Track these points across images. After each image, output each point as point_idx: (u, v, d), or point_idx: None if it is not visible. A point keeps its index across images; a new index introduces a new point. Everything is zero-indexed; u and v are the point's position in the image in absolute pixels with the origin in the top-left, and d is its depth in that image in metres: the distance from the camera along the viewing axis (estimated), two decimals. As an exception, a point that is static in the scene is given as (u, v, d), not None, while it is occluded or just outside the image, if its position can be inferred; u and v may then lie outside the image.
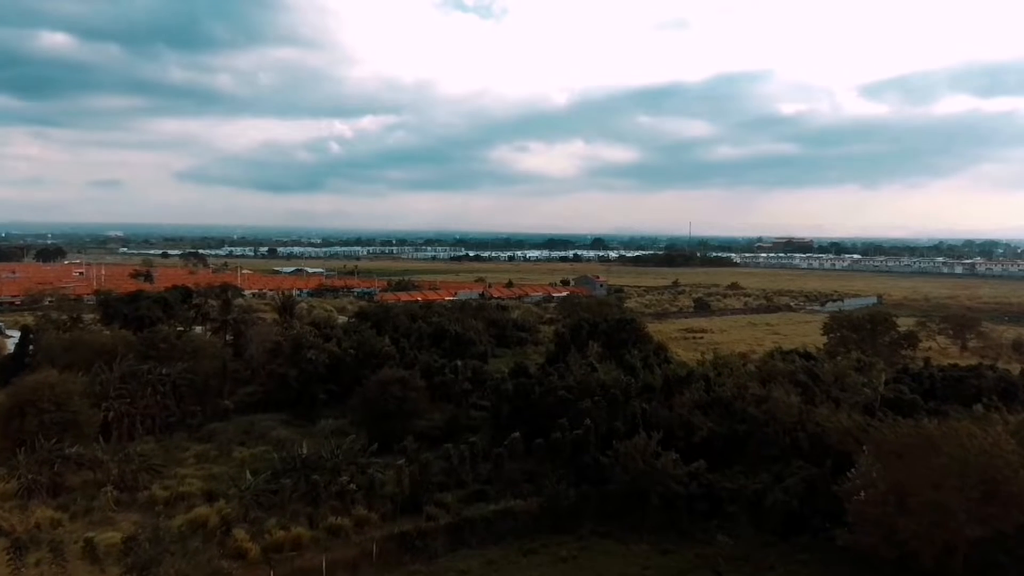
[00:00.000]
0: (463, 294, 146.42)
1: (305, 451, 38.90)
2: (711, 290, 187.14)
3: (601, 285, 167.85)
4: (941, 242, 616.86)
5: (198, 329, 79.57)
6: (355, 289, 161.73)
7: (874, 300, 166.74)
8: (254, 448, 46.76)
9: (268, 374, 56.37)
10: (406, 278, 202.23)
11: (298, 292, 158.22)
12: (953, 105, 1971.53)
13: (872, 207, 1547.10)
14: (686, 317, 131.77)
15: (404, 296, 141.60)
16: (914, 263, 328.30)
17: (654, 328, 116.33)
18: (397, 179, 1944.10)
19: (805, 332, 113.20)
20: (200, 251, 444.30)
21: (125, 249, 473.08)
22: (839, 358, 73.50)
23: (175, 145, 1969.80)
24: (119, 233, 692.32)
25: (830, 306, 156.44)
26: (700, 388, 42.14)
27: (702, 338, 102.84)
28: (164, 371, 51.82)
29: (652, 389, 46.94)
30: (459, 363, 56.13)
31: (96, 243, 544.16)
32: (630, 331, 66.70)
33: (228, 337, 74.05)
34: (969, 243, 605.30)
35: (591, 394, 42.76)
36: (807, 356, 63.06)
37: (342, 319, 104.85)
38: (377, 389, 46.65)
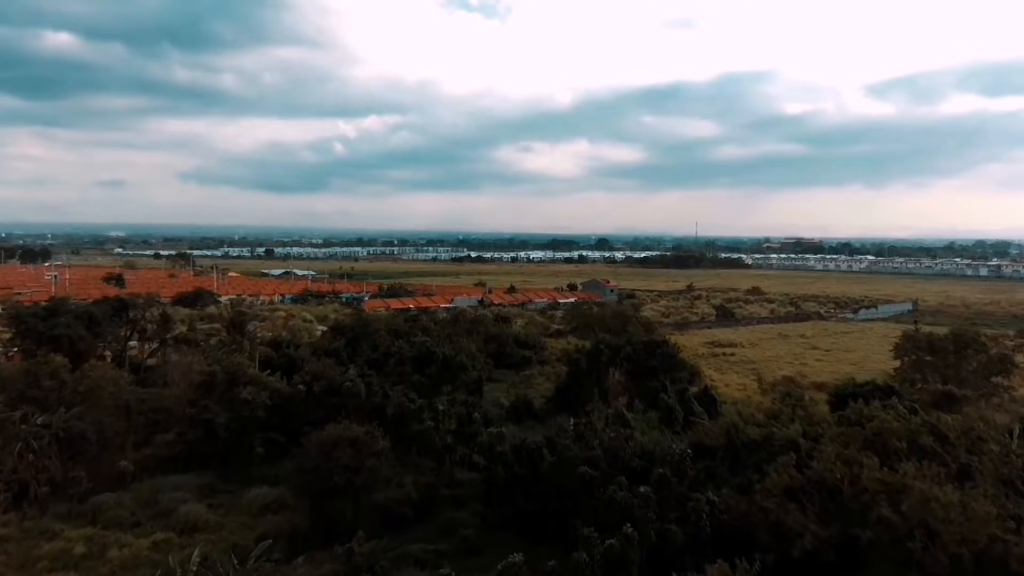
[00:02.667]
0: (460, 301, 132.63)
1: (194, 567, 25.28)
2: (729, 295, 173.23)
3: (612, 290, 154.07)
4: (952, 242, 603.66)
5: (133, 347, 66.28)
6: (342, 294, 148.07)
7: (909, 307, 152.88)
8: (149, 536, 33.13)
9: (189, 419, 42.69)
10: (400, 282, 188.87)
11: (279, 298, 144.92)
12: (960, 105, 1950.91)
13: (876, 207, 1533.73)
14: (709, 327, 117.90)
15: (395, 303, 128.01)
16: (935, 264, 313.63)
17: (673, 340, 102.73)
18: (400, 179, 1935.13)
19: (848, 345, 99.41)
20: (196, 252, 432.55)
21: (120, 250, 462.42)
22: (917, 385, 60.27)
23: (179, 145, 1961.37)
24: (121, 233, 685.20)
25: (863, 313, 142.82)
26: (790, 463, 28.28)
27: (733, 355, 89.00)
28: (41, 420, 38.17)
29: (709, 453, 33.24)
30: (441, 407, 42.33)
31: (94, 243, 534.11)
32: (662, 356, 52.93)
33: (174, 358, 60.75)
34: (981, 243, 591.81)
35: (627, 470, 29.07)
36: (891, 392, 49.37)
37: (322, 329, 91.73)
38: (319, 454, 32.96)
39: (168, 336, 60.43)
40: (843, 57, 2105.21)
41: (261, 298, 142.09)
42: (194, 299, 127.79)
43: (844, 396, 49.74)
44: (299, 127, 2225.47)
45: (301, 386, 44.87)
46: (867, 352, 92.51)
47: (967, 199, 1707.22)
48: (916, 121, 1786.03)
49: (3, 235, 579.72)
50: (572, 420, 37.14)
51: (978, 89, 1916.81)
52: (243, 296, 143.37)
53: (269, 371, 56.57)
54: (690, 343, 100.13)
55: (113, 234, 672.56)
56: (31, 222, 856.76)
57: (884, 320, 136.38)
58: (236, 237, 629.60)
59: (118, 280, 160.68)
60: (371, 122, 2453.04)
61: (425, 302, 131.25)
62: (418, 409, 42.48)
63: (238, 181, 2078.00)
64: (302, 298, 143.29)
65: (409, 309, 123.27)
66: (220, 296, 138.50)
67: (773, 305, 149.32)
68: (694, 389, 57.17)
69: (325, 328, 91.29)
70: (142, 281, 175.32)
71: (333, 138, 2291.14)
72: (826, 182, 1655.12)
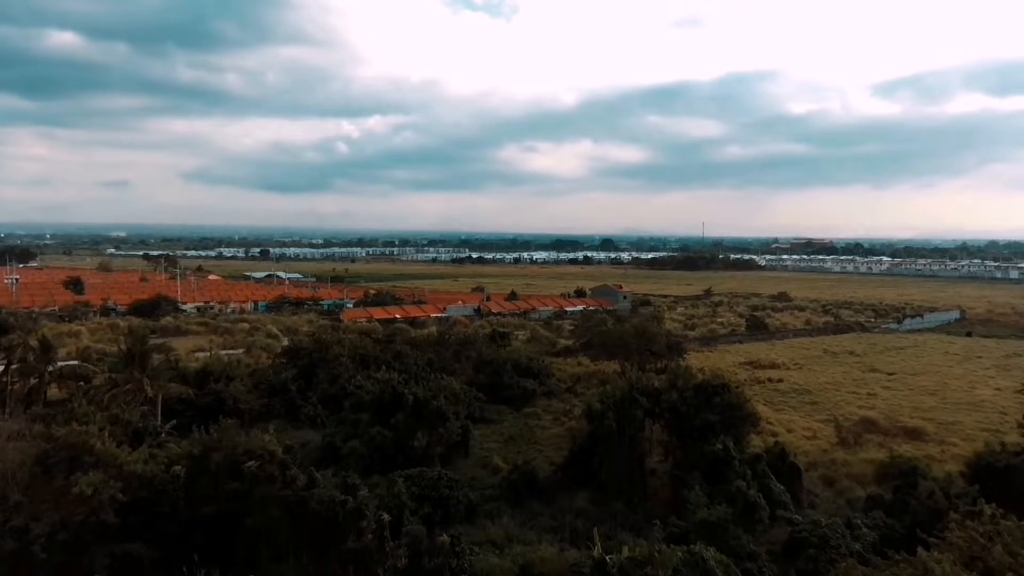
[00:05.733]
0: (453, 310, 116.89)
1: None
2: (752, 301, 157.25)
3: (624, 296, 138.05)
4: (965, 242, 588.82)
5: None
6: (323, 301, 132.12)
7: (957, 315, 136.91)
8: None
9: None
10: (393, 285, 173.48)
11: (252, 305, 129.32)
12: (966, 104, 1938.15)
13: (881, 207, 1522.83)
14: (740, 341, 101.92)
15: (379, 312, 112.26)
16: (961, 267, 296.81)
17: (703, 358, 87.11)
18: (403, 179, 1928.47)
19: (912, 367, 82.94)
20: (190, 252, 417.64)
21: (113, 250, 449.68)
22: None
23: (183, 145, 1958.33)
24: (122, 234, 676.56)
25: (908, 323, 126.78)
26: None
27: (780, 381, 72.77)
28: None
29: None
30: (387, 515, 26.63)
31: (91, 244, 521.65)
32: (722, 408, 37.06)
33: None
34: (993, 244, 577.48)
35: None
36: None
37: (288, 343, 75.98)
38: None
39: (49, 368, 44.92)
40: (849, 56, 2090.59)
41: (231, 305, 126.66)
42: (152, 308, 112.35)
43: (994, 470, 34.21)
44: (302, 127, 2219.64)
45: (178, 468, 29.10)
46: (939, 376, 76.66)
47: (973, 199, 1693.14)
48: (922, 121, 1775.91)
49: (2, 235, 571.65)
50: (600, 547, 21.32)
51: (985, 88, 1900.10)
52: (210, 303, 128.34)
53: (174, 423, 41.58)
54: (723, 363, 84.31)
55: (114, 234, 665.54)
56: (35, 222, 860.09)
57: (932, 331, 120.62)
58: (237, 237, 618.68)
59: (76, 285, 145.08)
60: (374, 122, 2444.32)
61: (414, 311, 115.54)
62: (355, 511, 26.75)
63: (241, 181, 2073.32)
64: (276, 305, 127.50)
65: (395, 319, 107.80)
66: (183, 304, 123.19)
67: (805, 313, 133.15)
68: (756, 444, 41.66)
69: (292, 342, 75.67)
70: (108, 285, 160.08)
71: (336, 138, 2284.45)
72: (831, 182, 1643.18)
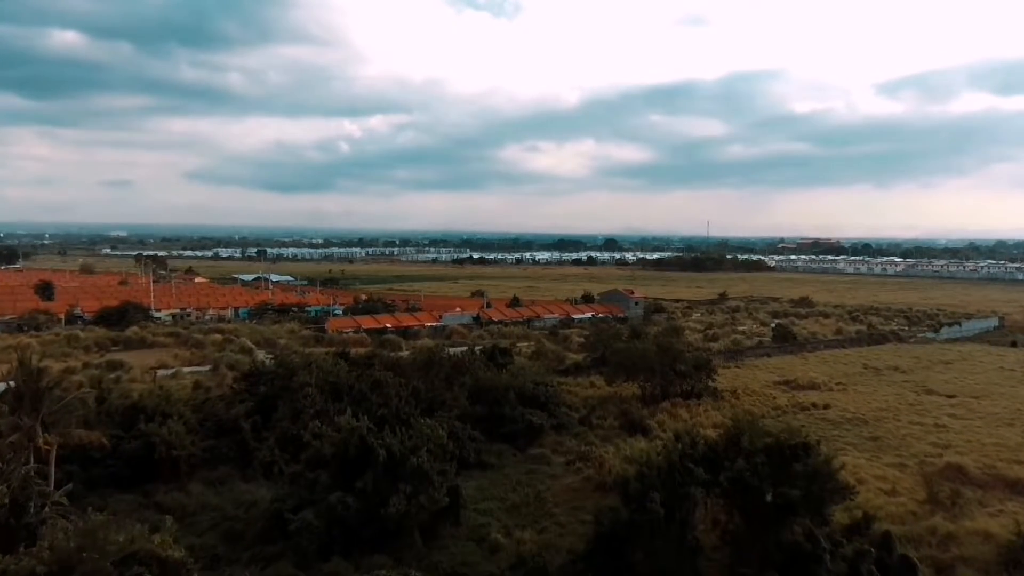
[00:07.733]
0: (450, 318, 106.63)
1: None
2: (772, 306, 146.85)
3: (636, 303, 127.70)
4: (972, 242, 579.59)
5: None
6: (310, 308, 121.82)
7: (995, 322, 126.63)
8: None
9: None
10: (389, 288, 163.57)
11: (233, 312, 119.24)
12: (970, 103, 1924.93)
13: (884, 206, 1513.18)
14: (768, 355, 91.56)
15: (368, 321, 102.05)
16: (981, 268, 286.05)
17: (731, 376, 76.96)
18: (406, 179, 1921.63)
19: (969, 386, 72.45)
20: (187, 252, 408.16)
21: (109, 250, 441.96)
22: None
23: (185, 145, 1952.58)
24: (123, 233, 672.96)
25: (945, 332, 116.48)
26: None
27: (827, 408, 62.36)
28: None
29: None
30: None
31: (89, 244, 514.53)
32: (806, 476, 26.91)
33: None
34: (1002, 243, 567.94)
35: None
36: None
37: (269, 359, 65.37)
38: None
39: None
40: (853, 56, 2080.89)
41: (209, 312, 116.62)
42: (119, 316, 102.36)
43: None
44: (305, 126, 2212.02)
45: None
46: (1007, 400, 66.41)
47: (977, 198, 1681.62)
48: (926, 120, 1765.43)
49: (2, 235, 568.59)
50: None
51: (990, 87, 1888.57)
52: (187, 310, 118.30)
53: (69, 487, 31.66)
54: (755, 382, 74.18)
55: (114, 234, 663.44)
56: (36, 222, 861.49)
57: (971, 340, 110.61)
58: (237, 237, 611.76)
59: (46, 289, 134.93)
60: (377, 121, 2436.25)
61: (407, 320, 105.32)
62: None
63: (244, 181, 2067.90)
64: (259, 312, 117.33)
65: (385, 329, 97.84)
66: (157, 311, 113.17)
67: (832, 320, 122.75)
68: (841, 510, 31.37)
69: (272, 359, 65.34)
70: (84, 290, 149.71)
71: (338, 137, 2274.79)
72: (834, 182, 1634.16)
